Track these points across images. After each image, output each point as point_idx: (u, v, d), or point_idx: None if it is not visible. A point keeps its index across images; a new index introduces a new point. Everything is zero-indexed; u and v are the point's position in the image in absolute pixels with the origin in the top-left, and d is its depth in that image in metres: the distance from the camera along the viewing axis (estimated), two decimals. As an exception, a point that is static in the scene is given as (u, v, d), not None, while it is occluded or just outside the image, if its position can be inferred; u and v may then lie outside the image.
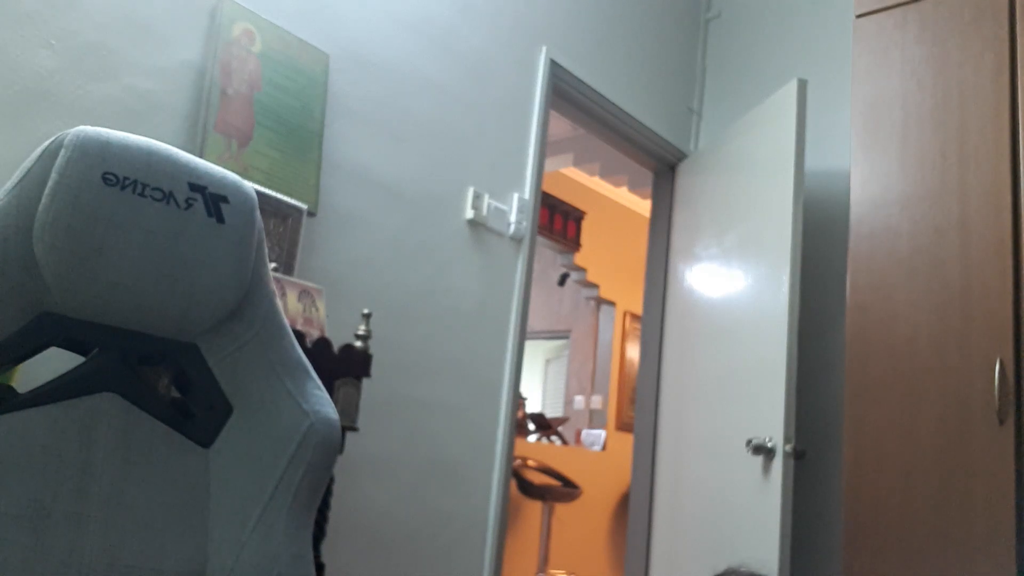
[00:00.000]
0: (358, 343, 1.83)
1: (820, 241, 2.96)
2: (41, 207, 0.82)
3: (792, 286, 2.52)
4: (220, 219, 0.92)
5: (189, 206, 0.90)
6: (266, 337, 0.97)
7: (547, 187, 5.33)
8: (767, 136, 2.84)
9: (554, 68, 2.89)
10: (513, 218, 2.69)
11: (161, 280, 0.87)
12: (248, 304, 0.96)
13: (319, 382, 1.01)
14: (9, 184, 0.84)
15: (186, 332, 0.91)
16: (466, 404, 2.50)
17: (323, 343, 1.73)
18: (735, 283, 2.86)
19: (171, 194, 0.89)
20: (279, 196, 1.97)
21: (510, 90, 2.74)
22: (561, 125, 3.75)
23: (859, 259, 2.22)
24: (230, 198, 0.93)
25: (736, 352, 2.78)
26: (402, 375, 2.29)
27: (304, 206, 2.03)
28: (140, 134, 1.80)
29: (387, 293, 2.30)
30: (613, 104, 3.14)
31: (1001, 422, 1.89)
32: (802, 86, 2.73)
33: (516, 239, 2.72)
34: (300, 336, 1.68)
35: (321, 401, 0.99)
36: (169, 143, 1.87)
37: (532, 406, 6.69)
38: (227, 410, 0.93)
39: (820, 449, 2.76)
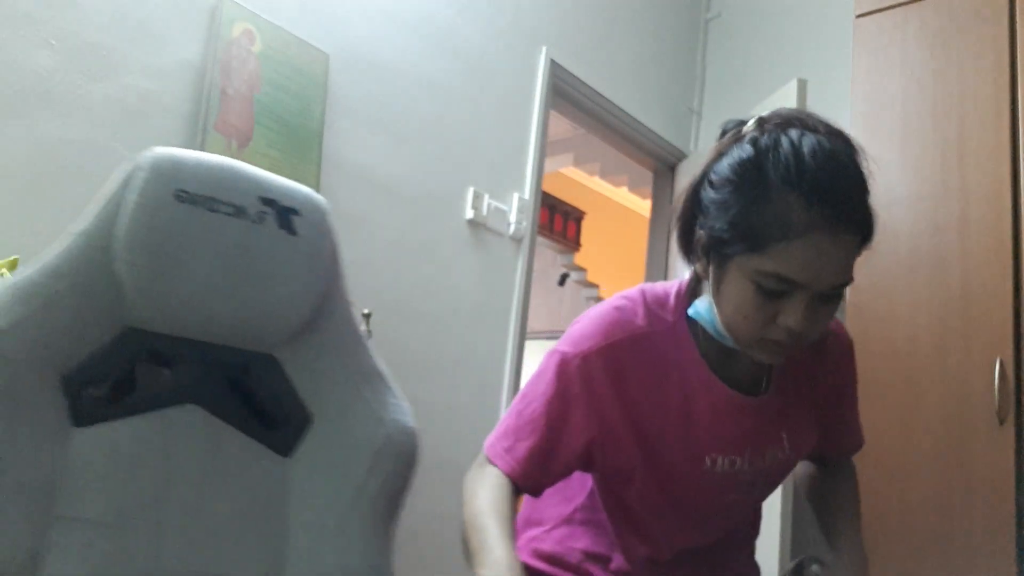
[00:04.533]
0: (358, 343, 1.83)
1: (820, 241, 2.96)
2: (120, 227, 0.84)
3: (792, 286, 2.52)
4: (292, 231, 0.92)
5: (261, 220, 0.91)
6: (342, 346, 0.97)
7: (547, 187, 5.33)
8: (767, 136, 2.84)
9: (554, 68, 2.89)
10: (513, 218, 2.69)
11: (236, 293, 0.88)
12: (324, 314, 0.96)
13: (396, 391, 1.00)
14: (93, 208, 0.86)
15: (263, 343, 0.92)
16: (466, 404, 2.50)
17: (323, 343, 1.73)
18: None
19: (242, 208, 0.90)
20: (279, 196, 1.97)
21: (510, 90, 2.74)
22: (561, 125, 3.75)
23: (859, 259, 2.22)
24: (301, 210, 0.94)
25: (736, 352, 2.77)
26: (402, 375, 2.28)
27: (304, 206, 2.03)
28: (140, 134, 1.81)
29: (387, 293, 2.29)
30: (613, 104, 3.13)
31: (1001, 422, 1.89)
32: (802, 86, 2.73)
33: (516, 239, 2.72)
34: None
35: (399, 410, 0.99)
36: (169, 143, 1.86)
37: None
38: (306, 420, 0.93)
39: (820, 449, 2.75)
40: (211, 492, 0.86)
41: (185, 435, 0.86)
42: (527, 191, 2.77)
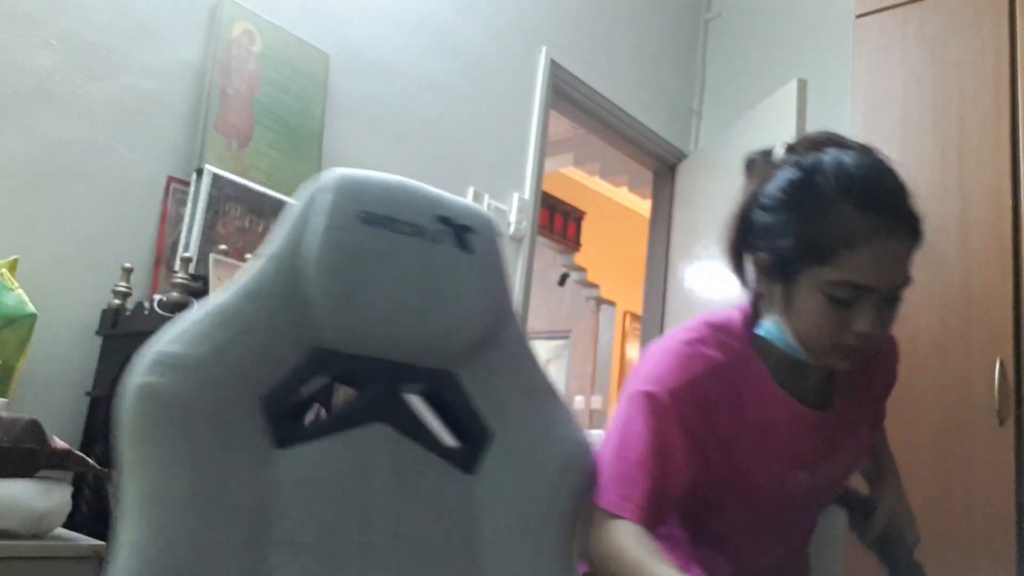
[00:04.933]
0: (358, 343, 1.83)
1: (820, 241, 2.96)
2: (310, 248, 0.85)
3: (792, 286, 2.52)
4: (468, 249, 0.93)
5: (439, 238, 0.92)
6: (517, 362, 0.98)
7: (547, 187, 5.33)
8: (767, 136, 2.83)
9: (554, 68, 2.89)
10: (513, 218, 2.69)
11: (419, 311, 0.89)
12: (498, 330, 0.96)
13: (566, 404, 1.00)
14: (280, 230, 0.87)
15: (443, 361, 0.92)
16: (466, 404, 2.50)
17: (323, 343, 1.73)
18: (735, 283, 2.86)
19: (421, 228, 0.91)
20: (279, 196, 1.97)
21: (510, 90, 2.74)
22: (561, 125, 3.75)
23: (859, 259, 2.21)
24: (475, 228, 0.95)
25: (736, 352, 2.77)
26: (402, 375, 2.29)
27: (304, 206, 2.03)
28: (140, 134, 1.81)
29: (387, 293, 2.29)
30: (613, 104, 3.13)
31: (1001, 422, 1.89)
32: (802, 86, 2.73)
33: (516, 239, 2.72)
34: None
35: (573, 424, 0.98)
36: (169, 143, 1.87)
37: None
38: (486, 436, 0.93)
39: (820, 449, 2.75)
40: (407, 512, 0.86)
41: (376, 454, 0.87)
42: (527, 191, 2.77)
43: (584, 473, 0.96)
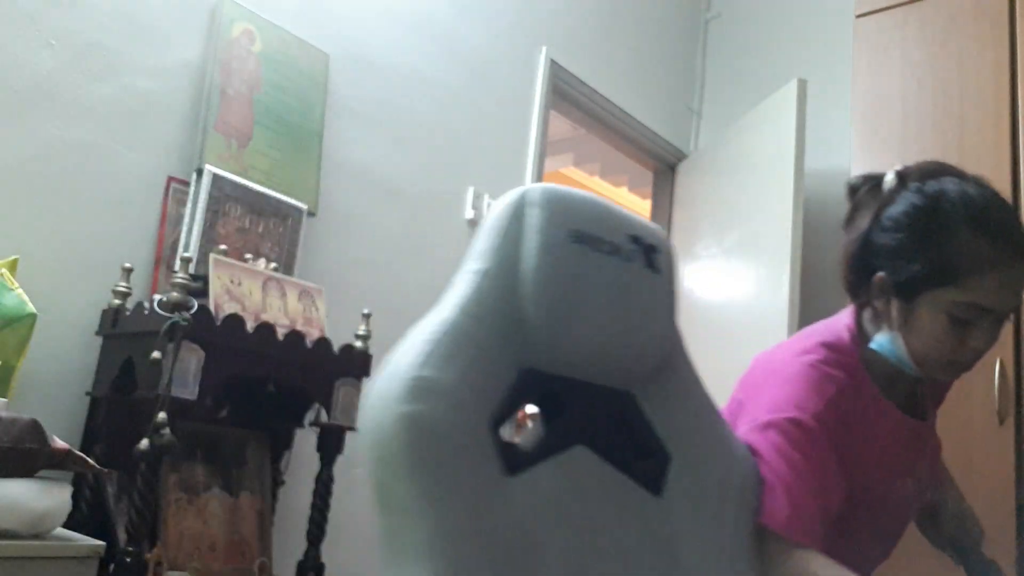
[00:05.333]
0: (358, 343, 1.83)
1: (820, 241, 2.96)
2: (528, 266, 0.83)
3: (792, 286, 2.52)
4: (655, 269, 0.92)
5: (632, 258, 0.91)
6: (688, 382, 0.97)
7: (547, 187, 5.32)
8: (767, 136, 2.84)
9: (554, 68, 2.89)
10: (513, 218, 2.69)
11: (618, 332, 0.88)
12: (674, 350, 0.96)
13: (725, 420, 1.00)
14: (488, 244, 0.86)
15: (627, 381, 0.91)
16: (466, 404, 2.50)
17: (323, 343, 1.73)
18: (735, 283, 2.86)
19: (617, 247, 0.90)
20: (279, 196, 1.97)
21: (510, 90, 2.74)
22: (561, 125, 3.74)
23: (859, 259, 2.22)
24: (660, 247, 0.94)
25: (736, 352, 2.77)
26: (402, 375, 2.29)
27: (304, 206, 2.03)
28: (140, 134, 1.81)
29: (387, 293, 2.29)
30: (613, 104, 3.13)
31: (1001, 422, 1.89)
32: (802, 86, 2.73)
33: (516, 239, 2.71)
34: (300, 336, 1.68)
35: (740, 444, 0.99)
36: (169, 143, 1.87)
37: (532, 406, 6.67)
38: (666, 457, 0.92)
39: (820, 449, 2.75)
40: (621, 537, 0.84)
41: (585, 478, 0.85)
42: (527, 191, 2.77)
43: (756, 491, 0.96)
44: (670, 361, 0.96)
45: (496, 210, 0.88)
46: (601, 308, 0.86)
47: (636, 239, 0.92)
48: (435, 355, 0.75)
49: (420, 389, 0.72)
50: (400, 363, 0.75)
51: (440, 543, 0.68)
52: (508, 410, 0.81)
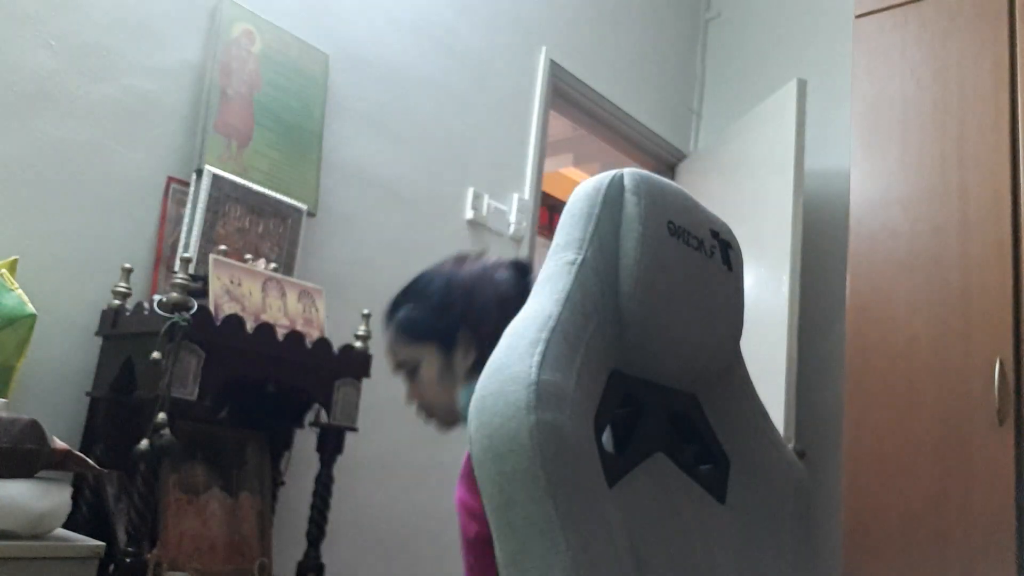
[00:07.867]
0: (358, 343, 1.83)
1: (820, 241, 2.96)
2: (629, 260, 0.76)
3: (792, 286, 2.52)
4: (730, 266, 0.87)
5: (712, 254, 0.84)
6: (744, 385, 0.92)
7: (547, 187, 5.33)
8: (767, 136, 2.84)
9: (554, 68, 2.89)
10: (513, 218, 2.69)
11: (700, 331, 0.81)
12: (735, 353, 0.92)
13: (774, 425, 0.97)
14: (581, 232, 0.78)
15: (692, 382, 0.85)
16: (466, 404, 2.50)
17: (323, 343, 1.73)
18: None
19: (702, 242, 0.83)
20: (279, 196, 1.97)
21: (510, 90, 2.74)
22: (561, 125, 3.75)
23: (859, 259, 2.22)
24: (732, 244, 0.88)
25: (736, 352, 2.78)
26: (402, 375, 2.29)
27: (304, 206, 2.03)
28: (140, 134, 1.81)
29: (387, 293, 2.28)
30: (613, 104, 3.14)
31: (1001, 422, 1.89)
32: (802, 86, 2.73)
33: (516, 239, 2.72)
34: (300, 337, 1.68)
35: (790, 450, 0.95)
36: (169, 143, 1.87)
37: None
38: (727, 463, 0.88)
39: (820, 449, 2.76)
40: (709, 547, 0.79)
41: (670, 487, 0.79)
42: (527, 191, 2.77)
43: (809, 498, 0.93)
44: (732, 363, 0.91)
45: (583, 195, 0.80)
46: (689, 306, 0.80)
47: (716, 234, 0.86)
48: (550, 356, 0.66)
49: (547, 395, 0.63)
50: (512, 365, 0.65)
51: (585, 571, 0.60)
52: (606, 416, 0.73)
